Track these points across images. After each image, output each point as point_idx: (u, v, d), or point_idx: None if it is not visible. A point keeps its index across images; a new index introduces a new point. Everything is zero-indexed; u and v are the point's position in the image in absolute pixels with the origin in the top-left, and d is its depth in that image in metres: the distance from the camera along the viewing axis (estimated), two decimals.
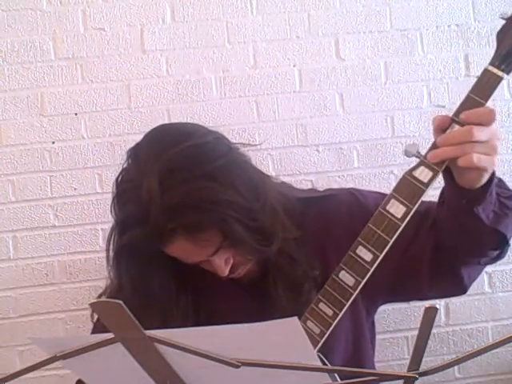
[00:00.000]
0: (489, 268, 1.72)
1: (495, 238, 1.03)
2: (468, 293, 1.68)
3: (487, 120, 0.92)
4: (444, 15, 1.71)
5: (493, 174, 0.96)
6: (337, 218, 1.15)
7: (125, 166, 1.05)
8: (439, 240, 1.09)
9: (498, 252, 1.07)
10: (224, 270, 1.05)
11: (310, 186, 1.64)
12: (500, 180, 1.05)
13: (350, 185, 1.67)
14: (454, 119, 0.94)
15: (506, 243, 1.05)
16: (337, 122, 1.68)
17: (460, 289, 1.16)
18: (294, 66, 1.68)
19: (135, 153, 1.04)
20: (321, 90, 1.68)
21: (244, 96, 1.66)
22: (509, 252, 1.70)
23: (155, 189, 0.95)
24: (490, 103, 1.80)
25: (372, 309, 1.25)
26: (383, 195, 1.03)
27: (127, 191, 1.01)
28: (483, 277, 1.71)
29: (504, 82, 1.70)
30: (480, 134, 0.91)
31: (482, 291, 1.71)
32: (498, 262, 1.70)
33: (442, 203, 1.06)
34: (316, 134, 1.68)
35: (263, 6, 1.67)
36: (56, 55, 1.64)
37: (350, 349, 1.19)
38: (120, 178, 1.04)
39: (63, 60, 1.64)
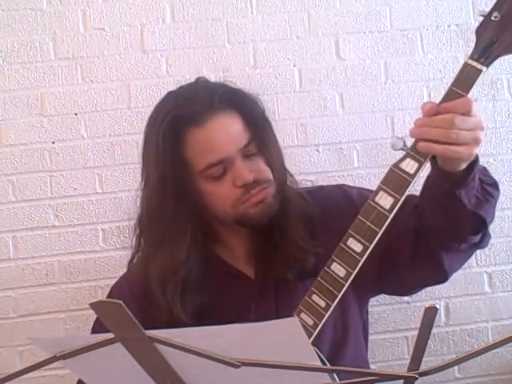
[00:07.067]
0: (489, 268, 1.72)
1: (475, 222, 1.07)
2: (468, 293, 1.70)
3: (462, 109, 0.95)
4: (444, 15, 1.70)
5: (476, 160, 1.00)
6: (326, 205, 1.22)
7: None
8: (420, 224, 1.12)
9: (477, 239, 1.10)
10: (246, 174, 1.12)
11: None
12: (485, 169, 1.09)
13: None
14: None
15: (485, 228, 1.09)
16: (337, 122, 1.68)
17: (440, 274, 1.18)
18: (294, 65, 1.68)
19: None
20: (321, 89, 1.68)
21: None
22: (508, 252, 1.72)
23: (220, 82, 1.22)
24: (490, 104, 1.80)
25: (364, 299, 1.28)
26: (369, 190, 1.06)
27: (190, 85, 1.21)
28: (483, 277, 1.71)
29: (504, 82, 1.72)
30: (462, 123, 0.94)
31: (482, 291, 1.71)
32: (498, 262, 1.72)
33: (427, 188, 1.10)
34: (316, 134, 1.68)
35: (263, 6, 1.67)
36: (56, 55, 1.64)
37: (339, 340, 1.21)
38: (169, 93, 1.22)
39: (63, 60, 1.64)
